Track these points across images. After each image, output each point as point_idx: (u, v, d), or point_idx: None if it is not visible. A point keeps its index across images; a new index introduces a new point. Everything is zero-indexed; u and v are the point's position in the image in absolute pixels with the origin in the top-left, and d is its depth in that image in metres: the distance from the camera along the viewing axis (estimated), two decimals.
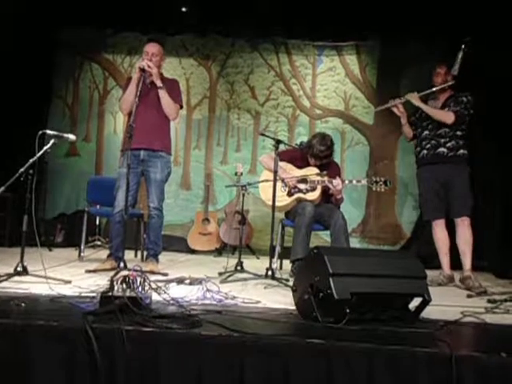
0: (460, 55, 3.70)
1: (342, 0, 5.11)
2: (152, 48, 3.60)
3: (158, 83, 3.53)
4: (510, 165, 4.63)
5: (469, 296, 3.02)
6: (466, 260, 3.57)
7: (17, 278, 2.68)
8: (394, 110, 3.90)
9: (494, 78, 4.65)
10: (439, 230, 3.74)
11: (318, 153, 3.84)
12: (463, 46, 3.71)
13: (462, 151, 3.65)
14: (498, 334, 2.04)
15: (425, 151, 3.75)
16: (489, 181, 4.86)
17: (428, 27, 5.16)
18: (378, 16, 5.28)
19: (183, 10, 5.66)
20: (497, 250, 4.77)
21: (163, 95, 3.58)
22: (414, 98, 3.78)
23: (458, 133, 3.66)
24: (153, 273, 3.23)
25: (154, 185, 3.60)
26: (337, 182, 3.73)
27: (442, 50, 4.88)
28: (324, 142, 3.85)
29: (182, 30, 6.02)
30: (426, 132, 3.76)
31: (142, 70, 3.38)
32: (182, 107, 3.82)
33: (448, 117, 3.63)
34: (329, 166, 3.96)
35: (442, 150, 3.66)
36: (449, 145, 3.64)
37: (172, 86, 3.72)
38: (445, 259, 3.71)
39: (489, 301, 2.73)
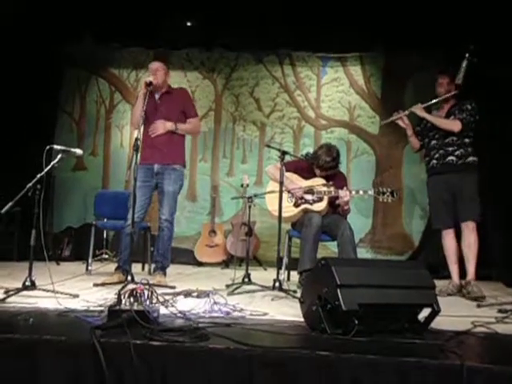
0: (464, 64, 3.70)
1: (346, 12, 5.14)
2: (154, 64, 3.74)
3: (173, 129, 3.65)
4: None
5: (478, 306, 2.99)
6: (469, 266, 3.56)
7: (25, 292, 2.68)
8: (399, 122, 3.92)
9: (497, 86, 4.64)
10: (449, 239, 3.72)
11: (323, 164, 3.84)
12: (467, 55, 3.71)
13: (471, 158, 3.64)
14: (510, 345, 2.01)
15: (434, 161, 3.74)
16: (497, 190, 4.82)
17: (431, 37, 5.17)
18: (381, 27, 5.30)
19: (188, 24, 5.72)
20: (506, 260, 4.72)
21: (182, 131, 3.72)
22: (419, 110, 3.79)
23: (466, 140, 3.66)
24: (160, 286, 3.22)
25: (167, 196, 3.63)
26: (344, 193, 3.72)
27: (446, 59, 4.89)
28: (330, 152, 3.85)
29: (187, 44, 6.08)
30: (434, 142, 3.76)
31: (148, 85, 3.42)
32: (197, 115, 3.90)
33: (455, 125, 3.63)
34: (335, 177, 3.95)
35: (451, 158, 3.65)
36: (457, 153, 3.64)
37: (183, 98, 3.82)
38: (454, 268, 3.68)
39: (499, 311, 2.69)
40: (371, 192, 3.81)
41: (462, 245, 3.62)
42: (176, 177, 3.67)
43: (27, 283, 2.74)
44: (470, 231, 3.57)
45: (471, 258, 3.55)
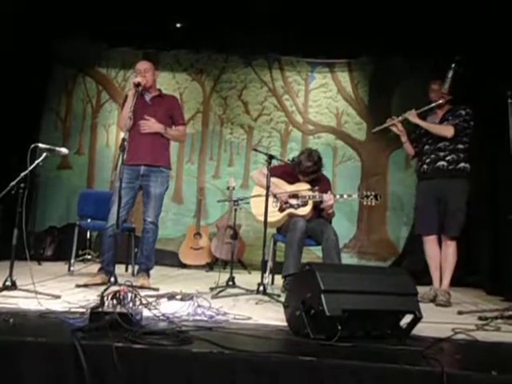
0: (450, 74, 3.74)
1: (335, 18, 5.19)
2: (143, 65, 3.71)
3: (162, 131, 3.65)
4: (502, 182, 4.67)
5: (459, 313, 3.02)
6: (443, 278, 3.62)
7: (5, 292, 2.64)
8: (393, 128, 3.92)
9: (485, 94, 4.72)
10: (430, 246, 3.75)
11: (304, 169, 3.85)
12: (453, 65, 3.76)
13: (462, 165, 3.63)
14: (489, 352, 2.04)
15: (425, 166, 3.75)
16: (480, 198, 4.89)
17: (419, 46, 5.25)
18: (369, 34, 5.36)
19: (177, 25, 5.71)
20: (488, 267, 4.80)
21: (169, 136, 3.73)
22: (412, 116, 3.80)
23: (460, 146, 3.65)
24: (144, 288, 3.20)
25: (153, 199, 3.61)
26: (328, 196, 3.74)
27: (433, 67, 4.95)
28: (311, 157, 3.86)
29: (176, 45, 6.07)
30: (427, 146, 3.76)
31: (137, 86, 3.41)
32: (185, 124, 3.91)
33: (447, 130, 3.63)
34: (320, 181, 3.97)
35: (441, 163, 3.65)
36: (448, 158, 3.64)
37: (172, 104, 3.83)
38: (436, 275, 3.72)
39: (480, 318, 2.73)
40: (355, 195, 3.83)
41: (442, 258, 3.67)
42: (162, 179, 3.66)
43: (8, 283, 2.70)
44: (448, 244, 3.63)
45: (446, 271, 3.61)
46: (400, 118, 3.88)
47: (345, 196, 3.84)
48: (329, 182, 4.15)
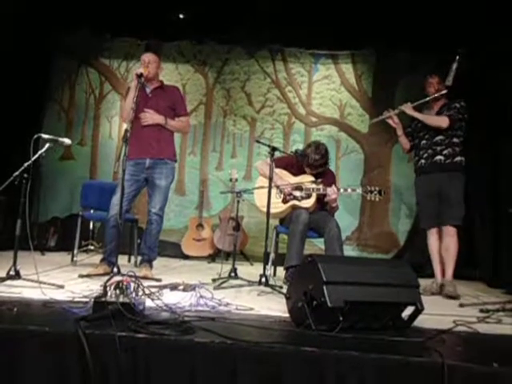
0: (454, 66, 3.74)
1: (339, 10, 5.15)
2: (147, 56, 3.70)
3: (162, 122, 3.63)
4: (503, 175, 4.66)
5: (461, 305, 3.03)
6: (447, 268, 3.64)
7: (9, 282, 2.66)
8: (389, 121, 3.95)
9: (488, 89, 4.69)
10: (433, 239, 3.77)
11: (312, 162, 3.85)
12: (457, 58, 3.75)
13: (458, 158, 3.67)
14: (490, 344, 2.05)
15: (422, 160, 3.78)
16: (481, 191, 4.89)
17: (423, 38, 5.21)
18: (373, 26, 5.32)
19: (181, 16, 5.68)
20: (489, 260, 4.80)
21: (171, 127, 3.71)
22: (408, 108, 3.83)
23: (455, 140, 3.69)
24: (146, 278, 3.22)
25: (158, 191, 3.62)
26: (332, 190, 3.74)
27: (437, 61, 4.93)
28: (318, 151, 3.86)
29: (179, 36, 6.04)
30: (423, 141, 3.80)
31: (139, 76, 3.40)
32: (188, 114, 3.89)
33: (442, 121, 3.66)
34: (324, 174, 3.97)
35: (438, 157, 3.68)
36: (445, 152, 3.67)
37: (174, 95, 3.81)
38: (438, 268, 3.73)
39: (481, 310, 2.74)
40: (359, 190, 3.84)
41: (441, 247, 3.68)
42: (168, 171, 3.67)
43: (12, 273, 2.71)
44: (449, 235, 3.64)
45: (449, 261, 3.63)
46: (396, 111, 3.90)
47: (349, 190, 3.85)
48: (333, 176, 4.14)
